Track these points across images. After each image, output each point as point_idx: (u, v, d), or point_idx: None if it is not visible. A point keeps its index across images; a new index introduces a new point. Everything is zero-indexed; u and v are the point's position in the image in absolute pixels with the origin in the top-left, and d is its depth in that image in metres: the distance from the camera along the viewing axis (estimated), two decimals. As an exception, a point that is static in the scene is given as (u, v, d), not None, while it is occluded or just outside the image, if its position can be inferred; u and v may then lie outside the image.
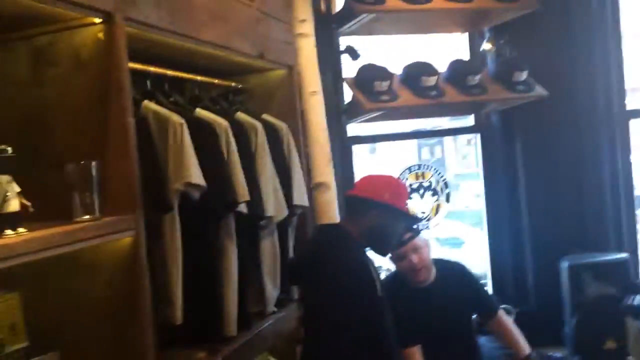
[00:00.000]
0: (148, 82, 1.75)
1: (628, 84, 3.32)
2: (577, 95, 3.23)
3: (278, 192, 2.10)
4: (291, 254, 2.16)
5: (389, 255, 2.32)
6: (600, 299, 2.88)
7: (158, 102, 1.74)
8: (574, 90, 3.23)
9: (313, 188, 2.53)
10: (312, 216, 2.47)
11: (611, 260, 2.99)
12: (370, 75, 2.83)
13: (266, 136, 2.10)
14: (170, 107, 1.75)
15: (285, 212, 2.09)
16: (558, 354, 2.96)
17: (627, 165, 3.32)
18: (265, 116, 2.24)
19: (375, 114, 2.89)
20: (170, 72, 1.82)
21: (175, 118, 1.66)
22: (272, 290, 2.01)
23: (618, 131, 3.27)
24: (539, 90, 3.04)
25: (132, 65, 1.51)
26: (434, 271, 2.48)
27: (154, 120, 1.67)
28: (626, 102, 3.31)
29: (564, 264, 2.95)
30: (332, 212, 2.56)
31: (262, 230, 1.99)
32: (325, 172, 2.61)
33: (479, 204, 3.52)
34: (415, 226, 2.48)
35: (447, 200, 3.28)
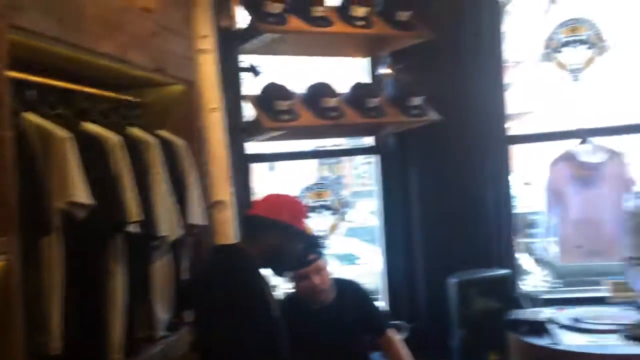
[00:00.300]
0: (31, 93, 1.64)
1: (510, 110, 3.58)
2: (466, 120, 3.42)
3: (173, 210, 2.05)
4: (185, 275, 2.11)
5: (289, 275, 2.33)
6: (485, 313, 3.05)
7: (42, 115, 1.64)
8: (463, 116, 3.42)
9: (211, 206, 2.50)
10: (209, 236, 2.43)
11: (494, 276, 3.18)
12: (272, 94, 2.84)
13: (162, 152, 2.04)
14: (55, 120, 1.65)
15: (180, 232, 2.05)
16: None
17: (508, 188, 3.56)
18: (161, 132, 2.18)
19: (276, 133, 2.91)
20: (54, 83, 1.72)
21: (59, 132, 1.57)
22: (162, 314, 1.95)
23: (501, 155, 3.50)
24: (433, 115, 3.20)
25: (12, 74, 1.42)
26: (332, 292, 2.53)
27: (36, 134, 1.57)
28: (508, 127, 3.57)
29: (453, 281, 3.10)
30: (229, 231, 2.54)
31: (154, 251, 1.93)
32: (224, 190, 2.58)
33: (374, 221, 3.63)
34: (318, 247, 2.51)
35: (345, 218, 3.35)
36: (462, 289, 3.07)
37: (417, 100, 3.18)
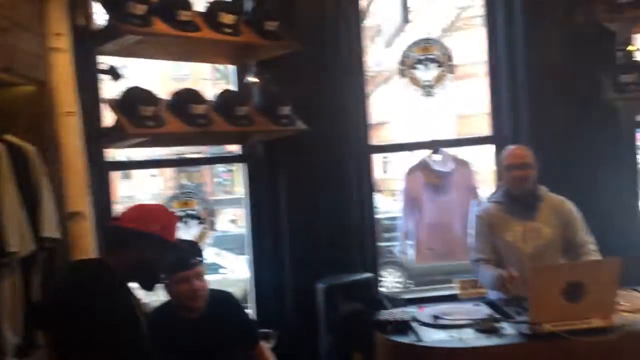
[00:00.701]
0: None
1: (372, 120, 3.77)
2: (331, 130, 3.52)
3: (23, 223, 1.86)
4: (37, 294, 1.92)
5: (165, 281, 2.24)
6: (350, 316, 3.16)
7: None
8: (329, 125, 3.52)
9: (66, 218, 2.31)
10: (65, 250, 2.24)
11: (359, 280, 3.31)
12: (135, 99, 2.70)
13: (10, 159, 1.85)
14: None
15: (31, 247, 1.86)
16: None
17: (371, 195, 3.74)
18: (9, 137, 1.97)
19: (139, 140, 2.77)
20: None
21: None
22: (11, 338, 1.75)
23: (364, 163, 3.66)
24: (300, 124, 3.26)
25: None
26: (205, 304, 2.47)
27: None
28: (370, 137, 3.75)
29: (320, 286, 3.18)
30: (88, 244, 2.37)
31: (2, 269, 1.73)
32: (81, 200, 2.41)
33: (237, 229, 3.60)
34: (198, 252, 2.44)
35: (212, 227, 3.28)
36: (329, 294, 3.15)
37: (285, 110, 3.22)
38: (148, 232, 1.81)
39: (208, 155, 4.08)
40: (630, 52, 3.41)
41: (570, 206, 2.93)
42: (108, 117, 2.83)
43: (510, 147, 3.00)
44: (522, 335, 2.20)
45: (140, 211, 1.91)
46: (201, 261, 2.44)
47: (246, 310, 2.76)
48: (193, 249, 2.20)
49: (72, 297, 1.68)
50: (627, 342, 2.13)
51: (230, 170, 17.11)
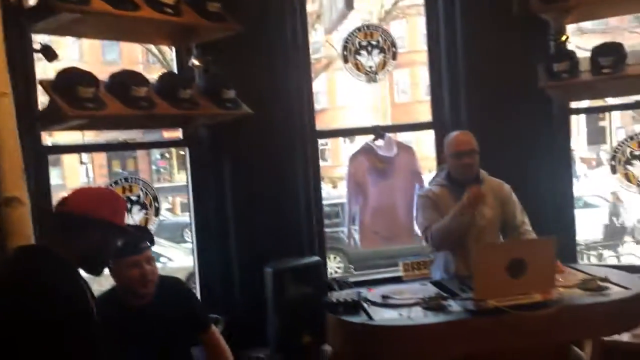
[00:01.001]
0: None
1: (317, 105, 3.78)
2: (276, 114, 3.51)
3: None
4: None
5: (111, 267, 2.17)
6: (299, 299, 3.19)
7: None
8: (274, 110, 3.50)
9: (2, 204, 2.18)
10: (2, 236, 2.12)
11: (306, 263, 3.34)
12: (73, 80, 2.57)
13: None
14: None
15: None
16: (261, 355, 3.15)
17: (317, 181, 3.76)
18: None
19: (78, 122, 2.64)
20: None
21: None
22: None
23: (310, 148, 3.67)
24: (245, 109, 3.22)
25: None
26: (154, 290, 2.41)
27: None
28: (315, 122, 3.76)
29: (268, 270, 3.17)
30: (26, 230, 2.25)
31: None
32: (17, 185, 2.29)
33: (174, 218, 3.52)
34: (149, 236, 2.37)
35: (157, 214, 3.20)
36: (277, 278, 3.15)
37: (230, 93, 3.17)
38: (97, 218, 1.73)
39: (149, 140, 3.95)
40: (563, 41, 3.58)
41: (508, 189, 3.06)
42: (43, 99, 2.69)
43: (455, 134, 3.05)
44: (467, 311, 2.29)
45: (87, 196, 1.83)
46: (150, 246, 2.37)
47: (196, 296, 2.71)
48: (143, 233, 2.13)
49: (19, 284, 1.58)
50: (564, 315, 2.25)
51: (166, 158, 16.73)
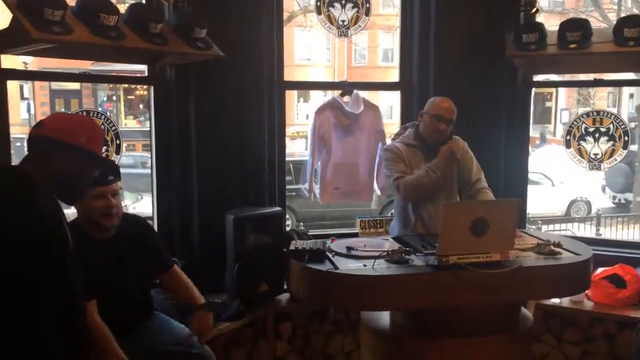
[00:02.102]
0: None
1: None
2: (245, 61, 3.43)
3: None
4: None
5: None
6: (258, 247, 3.19)
7: None
8: (243, 57, 3.42)
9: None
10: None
11: (268, 213, 3.33)
12: (39, 1, 2.40)
13: None
14: None
15: None
16: (218, 300, 3.16)
17: (282, 131, 3.72)
18: None
19: (42, 47, 2.49)
20: None
21: None
22: None
23: (277, 99, 3.62)
24: (216, 50, 3.12)
25: None
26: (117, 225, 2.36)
27: None
28: (283, 72, 3.70)
29: (229, 217, 3.15)
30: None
31: None
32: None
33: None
34: (116, 171, 2.30)
35: (117, 151, 3.09)
36: (238, 225, 3.13)
37: (201, 32, 3.05)
38: (73, 144, 1.67)
39: (111, 73, 3.77)
40: (533, 13, 3.64)
41: (464, 144, 3.14)
42: (4, 18, 2.50)
43: (442, 98, 3.06)
44: (429, 266, 2.35)
45: (65, 121, 1.76)
46: (117, 179, 2.31)
47: (159, 235, 2.67)
48: (110, 166, 2.07)
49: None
50: (519, 275, 2.35)
51: (112, 100, 16.10)
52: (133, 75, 3.53)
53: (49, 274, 1.50)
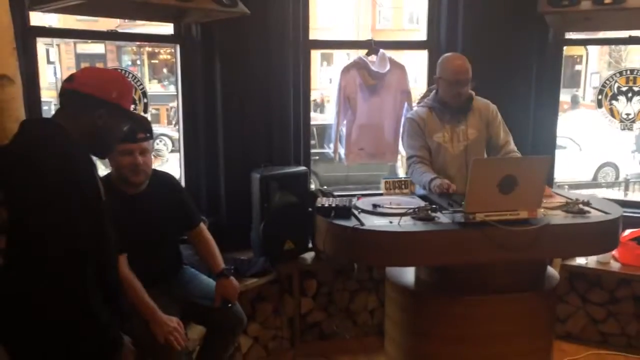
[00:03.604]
0: None
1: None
2: (271, 20, 3.40)
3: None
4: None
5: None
6: (283, 206, 3.22)
7: None
8: (269, 16, 3.38)
9: (-8, 81, 2.08)
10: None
11: (293, 172, 3.34)
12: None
13: None
14: None
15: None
16: (244, 257, 3.21)
17: (307, 91, 3.70)
18: None
19: (69, 4, 2.49)
20: None
21: None
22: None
23: (302, 58, 3.59)
24: (242, 8, 3.08)
25: None
26: (147, 181, 2.40)
27: None
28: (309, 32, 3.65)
29: (255, 176, 3.17)
30: (17, 110, 2.17)
31: None
32: (9, 62, 2.18)
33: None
34: (148, 129, 2.33)
35: (145, 110, 3.12)
36: (264, 184, 3.15)
37: (227, -11, 3.02)
38: (103, 99, 1.68)
39: (139, 32, 3.78)
40: (567, -33, 3.51)
41: (494, 108, 3.08)
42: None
43: (452, 58, 2.97)
44: (456, 223, 2.35)
45: (96, 75, 1.76)
46: (148, 138, 2.34)
47: (188, 194, 2.71)
48: (141, 122, 2.09)
49: (31, 150, 1.54)
50: (546, 233, 2.34)
51: (137, 64, 16.17)
52: (161, 35, 3.51)
53: (84, 221, 1.53)
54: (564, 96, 17.71)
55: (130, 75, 3.03)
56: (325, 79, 17.37)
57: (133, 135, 2.25)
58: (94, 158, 1.77)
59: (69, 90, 1.70)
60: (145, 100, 3.09)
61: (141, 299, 2.25)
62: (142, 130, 2.27)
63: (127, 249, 2.24)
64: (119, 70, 2.90)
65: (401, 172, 8.89)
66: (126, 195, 2.36)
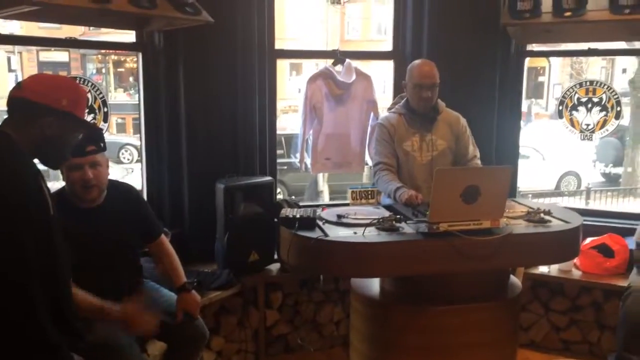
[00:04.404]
0: None
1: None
2: (236, 29, 3.37)
3: None
4: None
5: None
6: (248, 217, 3.17)
7: None
8: (234, 24, 3.35)
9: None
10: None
11: (258, 182, 3.30)
12: (22, -40, 2.33)
13: None
14: None
15: None
16: (208, 270, 3.15)
17: (273, 101, 3.68)
18: None
19: (26, 9, 2.41)
20: None
21: None
22: None
23: (268, 68, 3.56)
24: (206, 16, 3.05)
25: None
26: (104, 194, 2.32)
27: None
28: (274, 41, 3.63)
29: (220, 187, 3.12)
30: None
31: None
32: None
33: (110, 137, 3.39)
34: (99, 140, 2.24)
35: (105, 119, 3.04)
36: (229, 194, 3.11)
37: (190, -3, 2.99)
38: (55, 107, 1.62)
39: (99, 39, 3.70)
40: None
41: (464, 122, 3.13)
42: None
43: (419, 64, 3.03)
44: (420, 233, 2.35)
45: (45, 83, 1.69)
46: (99, 150, 2.25)
47: (148, 205, 2.64)
48: (92, 134, 2.01)
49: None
50: (508, 242, 2.36)
51: (102, 73, 15.88)
52: (122, 42, 3.44)
53: (29, 237, 1.46)
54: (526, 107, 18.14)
55: (89, 84, 2.95)
56: (294, 88, 17.38)
57: (81, 149, 2.15)
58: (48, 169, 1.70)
59: (17, 98, 1.62)
60: (105, 110, 3.02)
61: (89, 303, 2.14)
62: (92, 142, 2.18)
63: (82, 263, 2.15)
64: (73, 78, 2.81)
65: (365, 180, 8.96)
66: (80, 210, 2.28)
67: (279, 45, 3.66)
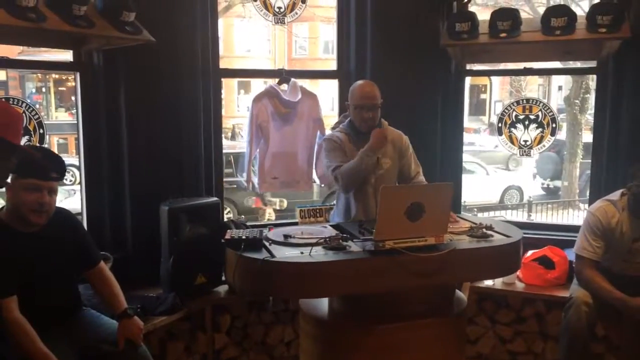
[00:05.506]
0: None
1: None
2: (179, 48, 3.32)
3: None
4: None
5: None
6: (194, 239, 3.10)
7: None
8: (176, 43, 3.31)
9: None
10: None
11: (204, 203, 3.24)
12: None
13: None
14: None
15: None
16: (153, 294, 3.06)
17: (218, 120, 3.64)
18: None
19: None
20: None
21: None
22: None
23: (213, 87, 3.53)
24: (147, 35, 3.00)
25: None
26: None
27: None
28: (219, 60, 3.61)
29: (164, 209, 3.04)
30: None
31: None
32: None
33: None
34: (60, 168, 2.17)
35: (41, 141, 2.93)
36: (173, 216, 3.03)
37: (130, 16, 2.93)
38: None
39: (36, 58, 3.56)
40: (465, 3, 3.72)
41: (406, 140, 3.17)
42: None
43: (360, 85, 3.05)
44: (366, 251, 2.36)
45: None
46: (59, 179, 2.18)
47: (86, 232, 2.54)
48: (55, 162, 1.94)
49: None
50: (453, 258, 2.40)
51: (42, 92, 15.33)
52: (58, 62, 3.33)
53: None
54: (472, 123, 18.71)
55: (24, 104, 2.83)
56: (242, 107, 17.32)
57: (46, 173, 2.11)
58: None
59: None
60: (41, 131, 2.91)
61: (35, 347, 2.07)
62: (56, 170, 2.13)
63: (16, 291, 2.05)
64: (5, 99, 2.70)
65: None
66: (17, 233, 2.18)
67: (226, 63, 3.64)
